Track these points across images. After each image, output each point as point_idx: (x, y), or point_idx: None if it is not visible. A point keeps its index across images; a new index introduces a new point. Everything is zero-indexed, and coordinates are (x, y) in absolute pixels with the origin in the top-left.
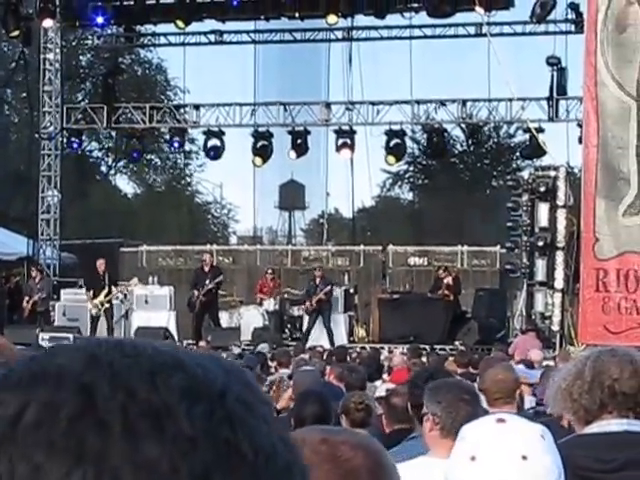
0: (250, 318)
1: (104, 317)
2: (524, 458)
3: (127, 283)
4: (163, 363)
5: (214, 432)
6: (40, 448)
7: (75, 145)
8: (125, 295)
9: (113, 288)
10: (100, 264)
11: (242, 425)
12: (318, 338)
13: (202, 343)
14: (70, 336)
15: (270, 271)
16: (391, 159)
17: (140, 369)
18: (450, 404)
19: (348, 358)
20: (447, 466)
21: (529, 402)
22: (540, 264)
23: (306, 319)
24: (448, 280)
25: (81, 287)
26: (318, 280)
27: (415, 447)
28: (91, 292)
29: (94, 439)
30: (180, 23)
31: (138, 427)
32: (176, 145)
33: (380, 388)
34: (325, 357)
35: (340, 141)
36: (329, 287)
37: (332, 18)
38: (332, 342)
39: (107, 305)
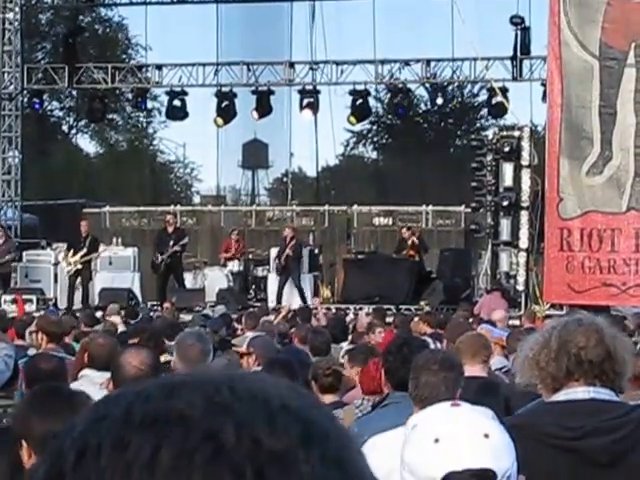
0: (214, 279)
1: (77, 277)
2: (486, 436)
3: (109, 247)
4: (277, 407)
5: (328, 475)
6: None
7: (36, 105)
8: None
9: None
10: (84, 225)
11: (350, 465)
12: (288, 298)
13: (166, 304)
14: (33, 297)
15: (235, 232)
16: (353, 119)
17: (258, 414)
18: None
19: (313, 319)
20: (405, 453)
21: (499, 362)
22: (505, 224)
23: (270, 280)
24: (413, 239)
25: (43, 248)
26: (288, 239)
27: (386, 415)
28: (71, 251)
29: None
30: None
31: (268, 473)
32: (142, 106)
33: (346, 350)
34: (289, 318)
35: (304, 101)
36: (294, 242)
37: None
38: (304, 301)
39: (80, 266)
